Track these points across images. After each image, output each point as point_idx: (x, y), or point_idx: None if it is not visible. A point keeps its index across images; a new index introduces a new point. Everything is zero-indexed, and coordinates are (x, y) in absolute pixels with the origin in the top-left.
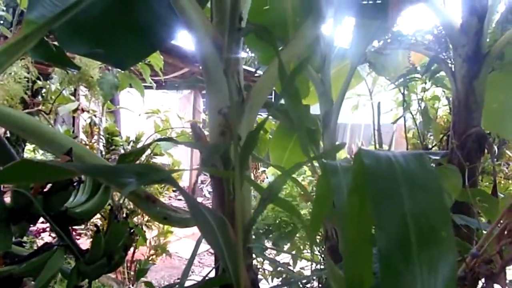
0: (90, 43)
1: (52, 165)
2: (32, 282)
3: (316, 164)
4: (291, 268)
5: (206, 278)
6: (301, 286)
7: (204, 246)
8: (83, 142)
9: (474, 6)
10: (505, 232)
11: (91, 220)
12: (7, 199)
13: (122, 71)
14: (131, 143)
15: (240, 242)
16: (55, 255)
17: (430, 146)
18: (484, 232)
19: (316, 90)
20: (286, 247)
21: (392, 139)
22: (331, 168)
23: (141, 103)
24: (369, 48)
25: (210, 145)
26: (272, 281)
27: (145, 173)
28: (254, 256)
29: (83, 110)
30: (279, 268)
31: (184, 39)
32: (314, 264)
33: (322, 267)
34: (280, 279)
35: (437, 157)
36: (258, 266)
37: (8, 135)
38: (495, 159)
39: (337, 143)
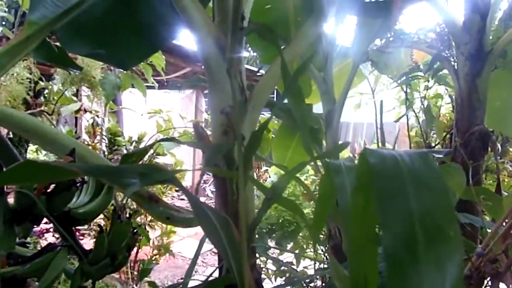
0: (92, 43)
1: (55, 166)
2: (36, 283)
3: (319, 163)
4: (294, 267)
5: (210, 278)
6: (304, 285)
7: (207, 245)
8: (86, 143)
9: (476, 4)
10: (511, 231)
11: (95, 221)
12: (11, 200)
13: (124, 71)
14: (134, 143)
15: (244, 242)
16: (59, 256)
17: (433, 145)
18: (488, 230)
19: (319, 89)
20: (289, 246)
21: (397, 138)
22: (335, 167)
23: (143, 103)
24: (371, 47)
25: (213, 145)
26: (275, 281)
27: (148, 174)
28: (257, 255)
29: (85, 111)
30: (282, 268)
31: (186, 39)
32: (317, 263)
33: (325, 266)
34: (284, 278)
35: (440, 156)
36: (261, 266)
37: (11, 136)
38: (499, 157)
39: (339, 142)
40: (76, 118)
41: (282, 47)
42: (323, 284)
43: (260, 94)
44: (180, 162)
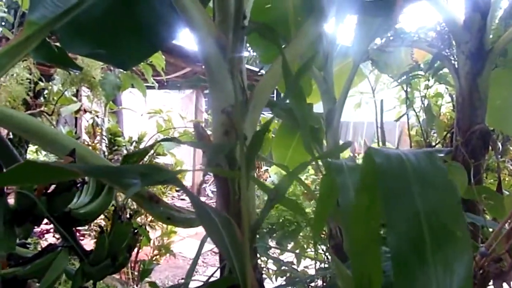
0: (92, 43)
1: (55, 166)
2: (37, 284)
3: (319, 162)
4: (295, 267)
5: (211, 278)
6: (305, 285)
7: (208, 245)
8: (86, 143)
9: (477, 3)
10: None
11: (95, 221)
12: (11, 200)
13: (124, 72)
14: (134, 143)
15: (247, 242)
16: (60, 256)
17: (433, 144)
18: (490, 229)
19: (319, 88)
20: (289, 246)
21: (399, 137)
22: (336, 167)
23: (143, 103)
24: (372, 46)
25: (214, 145)
26: (276, 280)
27: (149, 174)
28: (258, 255)
29: (85, 111)
30: (283, 267)
31: (186, 39)
32: (318, 263)
33: (326, 265)
34: (284, 278)
35: (441, 155)
36: (262, 265)
37: (11, 136)
38: (500, 156)
39: (340, 141)
40: (76, 118)
41: (283, 47)
42: (324, 284)
43: (261, 94)
44: (180, 162)
